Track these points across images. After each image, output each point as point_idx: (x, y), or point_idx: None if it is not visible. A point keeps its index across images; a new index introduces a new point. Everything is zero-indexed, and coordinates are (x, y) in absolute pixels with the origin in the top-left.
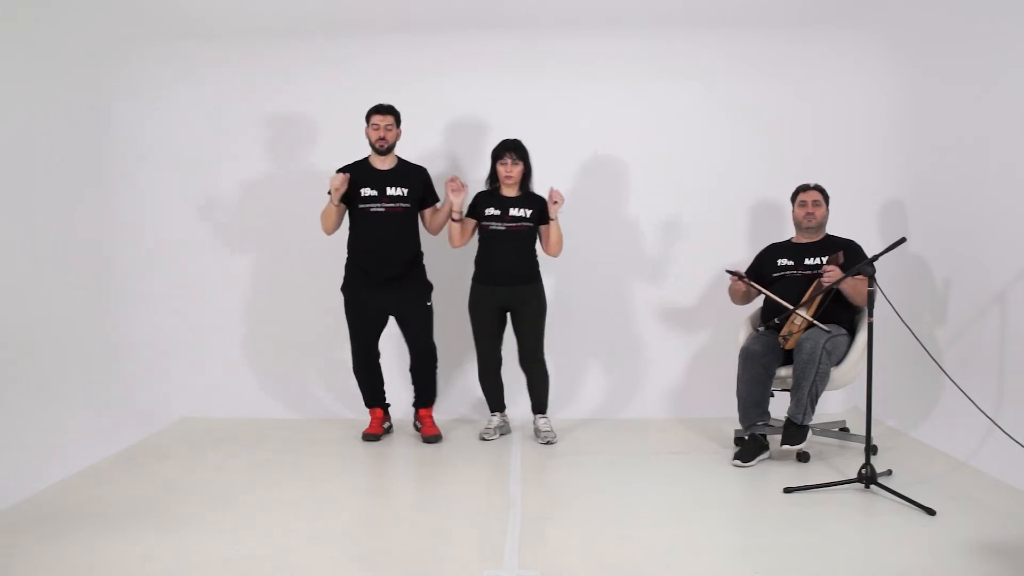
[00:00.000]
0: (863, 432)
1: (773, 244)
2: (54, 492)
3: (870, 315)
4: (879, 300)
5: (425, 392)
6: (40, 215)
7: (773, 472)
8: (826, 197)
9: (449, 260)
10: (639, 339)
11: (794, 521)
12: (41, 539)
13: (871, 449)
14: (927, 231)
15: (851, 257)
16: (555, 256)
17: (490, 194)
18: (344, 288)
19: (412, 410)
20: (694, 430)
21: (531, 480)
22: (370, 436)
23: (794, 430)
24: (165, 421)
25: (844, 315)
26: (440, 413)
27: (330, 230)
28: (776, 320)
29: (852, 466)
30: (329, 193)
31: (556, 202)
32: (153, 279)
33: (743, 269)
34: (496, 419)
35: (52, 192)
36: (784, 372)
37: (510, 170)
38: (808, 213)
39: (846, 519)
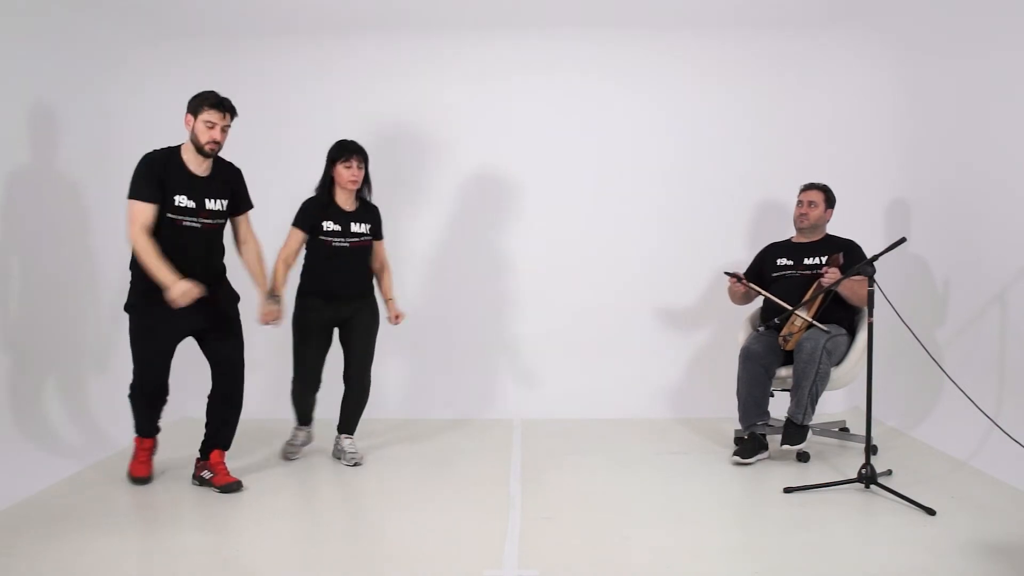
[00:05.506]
0: (863, 432)
1: (773, 243)
2: (54, 492)
3: (870, 315)
4: (879, 300)
5: (227, 429)
6: (44, 216)
7: (773, 472)
8: (829, 199)
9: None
10: (639, 339)
11: (794, 521)
12: (41, 539)
13: (871, 449)
14: (927, 231)
15: (851, 257)
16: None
17: (324, 205)
18: (137, 308)
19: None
20: (694, 430)
21: (531, 480)
22: (141, 479)
23: (794, 430)
24: (165, 421)
25: (844, 315)
26: (437, 412)
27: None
28: (776, 320)
29: (852, 466)
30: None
31: (398, 317)
32: None
33: (743, 269)
34: (303, 434)
35: (52, 191)
36: (784, 372)
37: (355, 173)
38: (802, 213)
39: (846, 519)
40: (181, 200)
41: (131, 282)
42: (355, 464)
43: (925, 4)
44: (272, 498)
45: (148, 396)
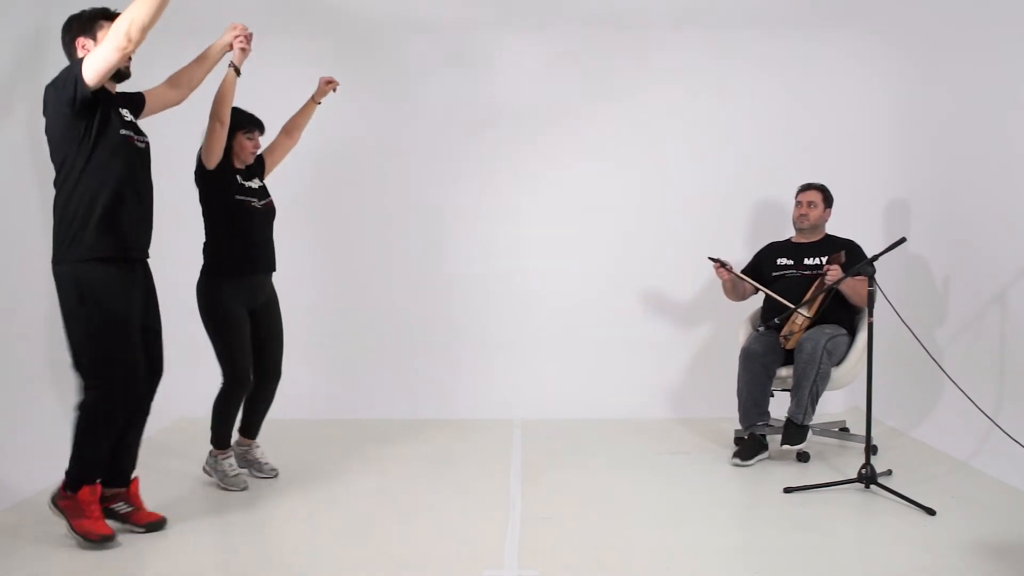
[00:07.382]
0: (863, 432)
1: (772, 243)
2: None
3: (870, 315)
4: (879, 300)
5: (133, 451)
6: (42, 212)
7: (773, 472)
8: (827, 198)
9: None
10: (639, 339)
11: (794, 521)
12: (41, 539)
13: (871, 449)
14: (927, 231)
15: (851, 257)
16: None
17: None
18: (92, 284)
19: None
20: (694, 430)
21: (531, 480)
22: (107, 537)
23: (794, 430)
24: (163, 421)
25: (844, 315)
26: (437, 412)
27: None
28: (776, 320)
29: (852, 466)
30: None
31: (332, 83)
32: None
33: (741, 268)
34: (233, 457)
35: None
36: (784, 372)
37: (257, 145)
38: (802, 214)
39: (846, 519)
40: (127, 113)
41: (79, 234)
42: (275, 475)
43: (925, 5)
44: (269, 496)
45: (125, 406)
